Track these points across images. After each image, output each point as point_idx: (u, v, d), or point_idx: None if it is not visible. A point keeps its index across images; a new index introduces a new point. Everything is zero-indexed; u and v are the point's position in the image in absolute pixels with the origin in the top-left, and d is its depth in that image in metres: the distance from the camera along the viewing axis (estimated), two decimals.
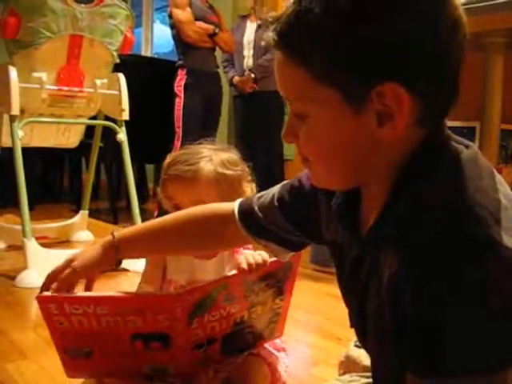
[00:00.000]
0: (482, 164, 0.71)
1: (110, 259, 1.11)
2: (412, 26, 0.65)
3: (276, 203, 0.96)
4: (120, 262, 1.11)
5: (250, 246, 1.39)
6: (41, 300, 1.07)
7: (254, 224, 0.98)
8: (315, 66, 0.67)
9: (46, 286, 1.10)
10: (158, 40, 6.82)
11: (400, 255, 0.66)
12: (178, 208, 1.30)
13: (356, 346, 1.27)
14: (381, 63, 0.65)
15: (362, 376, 1.06)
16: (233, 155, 1.37)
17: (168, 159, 1.37)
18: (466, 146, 0.72)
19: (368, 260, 0.74)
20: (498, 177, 0.71)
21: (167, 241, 1.11)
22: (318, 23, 0.66)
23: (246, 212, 0.99)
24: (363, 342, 0.86)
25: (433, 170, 0.69)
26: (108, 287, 2.33)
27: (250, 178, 1.37)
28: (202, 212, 1.07)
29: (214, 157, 1.32)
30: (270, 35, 0.70)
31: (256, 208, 0.98)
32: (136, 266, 2.58)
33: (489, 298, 0.61)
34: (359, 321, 0.80)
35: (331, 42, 0.65)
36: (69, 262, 1.12)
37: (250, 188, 1.36)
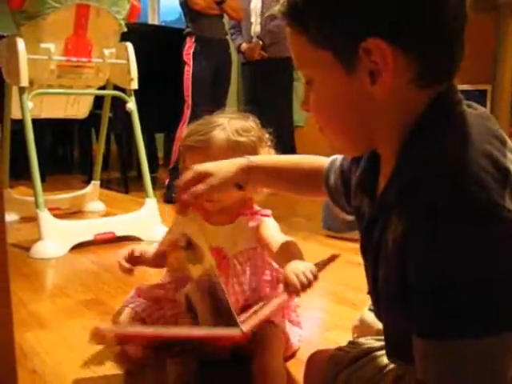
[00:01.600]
0: (493, 129, 0.70)
1: (242, 180, 1.10)
2: None
3: (339, 166, 1.03)
4: (241, 187, 1.12)
5: (269, 212, 1.41)
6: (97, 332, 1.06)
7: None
8: (311, 31, 0.72)
9: (177, 198, 1.07)
10: (164, 7, 6.76)
11: (402, 221, 0.67)
12: None
13: (370, 309, 1.28)
14: (364, 19, 0.67)
15: (376, 339, 1.07)
16: (249, 122, 1.37)
17: (186, 131, 1.39)
18: (477, 111, 0.72)
19: (379, 224, 0.75)
20: (510, 143, 0.70)
21: (286, 180, 1.16)
22: None
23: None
24: (376, 307, 0.87)
25: (438, 134, 0.69)
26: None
27: (267, 143, 1.38)
28: (317, 163, 1.13)
29: (228, 125, 1.32)
30: (277, 9, 0.76)
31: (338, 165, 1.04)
32: (148, 235, 2.60)
33: (491, 261, 0.61)
34: (373, 286, 0.81)
35: (321, 3, 0.70)
36: (201, 176, 1.07)
37: (264, 151, 1.36)
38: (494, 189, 0.62)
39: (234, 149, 1.30)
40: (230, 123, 1.34)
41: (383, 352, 0.93)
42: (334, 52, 0.71)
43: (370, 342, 1.05)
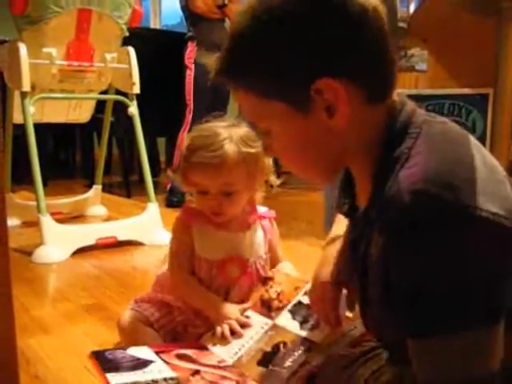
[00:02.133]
0: (455, 134, 0.75)
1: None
2: (322, 26, 0.72)
3: None
4: None
5: (273, 213, 1.44)
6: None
7: None
8: (257, 86, 0.77)
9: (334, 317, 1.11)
10: (166, 11, 6.77)
11: (382, 235, 0.70)
12: (204, 193, 1.33)
13: None
14: (309, 65, 0.73)
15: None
16: (247, 129, 1.36)
17: (186, 144, 1.35)
18: (435, 119, 0.77)
19: (364, 240, 0.79)
20: (475, 142, 0.73)
21: None
22: (246, 45, 0.76)
23: None
24: (364, 319, 0.91)
25: (405, 149, 0.72)
26: (122, 260, 2.36)
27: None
28: None
29: (234, 136, 1.31)
30: (213, 67, 0.82)
31: None
32: (150, 239, 2.60)
33: (467, 263, 0.64)
34: (361, 297, 0.85)
35: (259, 56, 0.75)
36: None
37: (268, 158, 1.37)
38: (462, 190, 0.64)
39: (245, 160, 1.31)
40: (234, 133, 1.32)
41: (380, 351, 0.97)
42: (285, 101, 0.75)
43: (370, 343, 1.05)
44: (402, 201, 0.65)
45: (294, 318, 1.24)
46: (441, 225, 0.64)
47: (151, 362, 1.17)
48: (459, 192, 0.64)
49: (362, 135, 0.76)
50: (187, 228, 1.39)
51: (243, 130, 1.35)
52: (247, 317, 1.31)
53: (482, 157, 0.70)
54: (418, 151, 0.71)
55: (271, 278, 1.38)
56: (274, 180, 1.40)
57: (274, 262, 1.47)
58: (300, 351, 1.14)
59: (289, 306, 1.29)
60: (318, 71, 0.72)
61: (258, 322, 1.28)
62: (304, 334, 1.18)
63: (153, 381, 1.09)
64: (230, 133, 1.32)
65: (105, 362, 1.15)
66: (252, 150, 1.32)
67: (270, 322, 1.27)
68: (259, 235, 1.43)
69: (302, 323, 1.21)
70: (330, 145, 0.78)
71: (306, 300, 1.27)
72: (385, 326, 0.80)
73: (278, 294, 1.33)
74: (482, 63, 2.36)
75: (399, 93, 0.80)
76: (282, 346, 1.18)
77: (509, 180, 0.71)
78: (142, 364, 1.16)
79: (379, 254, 0.72)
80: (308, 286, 1.28)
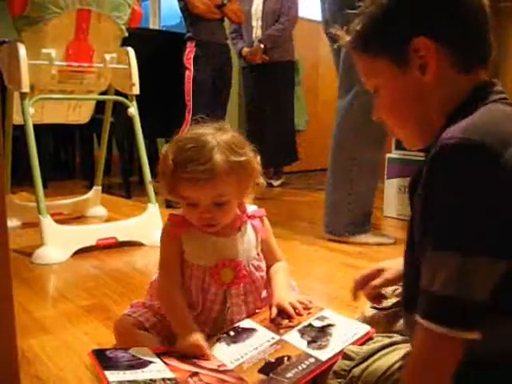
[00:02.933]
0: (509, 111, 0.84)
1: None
2: None
3: None
4: None
5: (263, 211, 1.44)
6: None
7: None
8: (370, 45, 0.92)
9: (355, 289, 1.26)
10: (165, 12, 6.77)
11: (426, 166, 0.81)
12: (194, 205, 1.30)
13: (372, 307, 1.28)
14: (409, 24, 0.88)
15: (384, 336, 1.08)
16: (233, 133, 1.33)
17: (172, 156, 1.28)
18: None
19: (419, 182, 0.87)
20: None
21: None
22: (371, 12, 0.91)
23: None
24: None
25: (471, 113, 0.82)
26: (122, 261, 2.36)
27: (253, 151, 1.35)
28: None
29: (221, 143, 1.27)
30: (344, 43, 0.98)
31: None
32: (150, 240, 2.60)
33: (475, 194, 0.73)
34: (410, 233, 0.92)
35: (375, 17, 0.90)
36: (379, 272, 1.22)
37: (256, 161, 1.34)
38: (492, 138, 0.74)
39: (235, 169, 1.28)
40: (221, 140, 1.28)
41: (394, 347, 1.00)
42: (388, 56, 0.90)
43: (378, 339, 1.06)
44: (443, 141, 0.76)
45: (303, 337, 1.23)
46: (463, 161, 0.74)
47: (151, 362, 1.17)
48: (487, 137, 0.74)
49: (448, 99, 0.88)
50: (175, 239, 1.36)
51: (229, 134, 1.31)
52: (253, 329, 1.31)
53: None
54: (473, 115, 0.80)
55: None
56: (262, 182, 1.37)
57: (270, 261, 1.45)
58: (304, 365, 1.12)
59: (299, 326, 1.28)
60: (417, 31, 0.86)
61: (264, 336, 1.27)
62: (311, 351, 1.17)
63: (151, 380, 1.08)
64: (217, 140, 1.27)
65: (105, 360, 1.15)
66: (241, 159, 1.28)
67: (277, 337, 1.25)
68: (250, 236, 1.41)
69: (310, 342, 1.20)
70: (423, 102, 0.90)
71: (317, 324, 1.26)
72: (414, 258, 0.87)
73: (289, 316, 1.32)
74: None
75: (495, 81, 0.91)
76: (286, 358, 1.16)
77: None
78: (141, 364, 1.15)
79: (423, 179, 0.81)
80: (321, 313, 1.30)
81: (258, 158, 1.36)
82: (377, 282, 1.20)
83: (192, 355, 1.21)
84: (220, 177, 1.25)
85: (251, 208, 1.44)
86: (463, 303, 0.73)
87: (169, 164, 1.27)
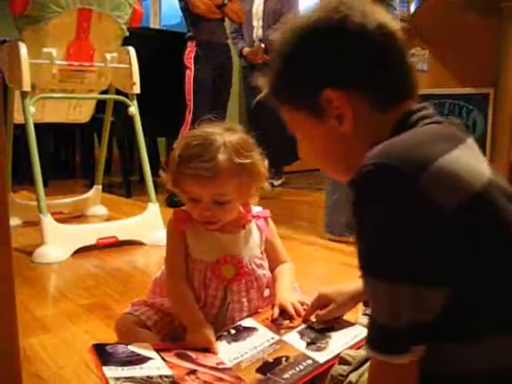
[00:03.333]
0: (447, 132, 0.79)
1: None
2: (327, 43, 0.84)
3: None
4: None
5: (268, 212, 1.44)
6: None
7: None
8: (286, 100, 0.91)
9: (304, 319, 1.31)
10: (166, 11, 6.77)
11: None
12: (195, 201, 1.32)
13: (364, 314, 1.29)
14: (317, 77, 0.85)
15: None
16: (241, 135, 1.35)
17: (178, 151, 1.31)
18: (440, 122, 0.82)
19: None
20: (469, 146, 0.77)
21: None
22: (277, 63, 0.91)
23: None
24: None
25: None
26: (123, 260, 2.36)
27: (261, 155, 1.36)
28: None
29: (228, 144, 1.29)
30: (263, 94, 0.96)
31: None
32: (150, 239, 2.60)
33: (389, 218, 0.70)
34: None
35: (286, 72, 0.90)
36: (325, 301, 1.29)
37: (263, 166, 1.36)
38: (408, 165, 0.69)
39: (238, 171, 1.29)
40: (228, 141, 1.30)
41: None
42: (305, 109, 0.88)
43: None
44: (359, 168, 0.73)
45: (302, 339, 1.24)
46: (378, 187, 0.71)
47: (150, 358, 1.17)
48: (402, 167, 0.69)
49: (374, 139, 0.81)
50: (180, 234, 1.38)
51: (238, 136, 1.33)
52: (254, 328, 1.31)
53: (467, 159, 0.73)
54: (388, 141, 0.77)
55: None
56: (267, 186, 1.39)
57: (275, 261, 1.46)
58: (302, 367, 1.13)
59: (299, 328, 1.28)
60: (324, 83, 0.83)
61: (265, 335, 1.28)
62: (309, 353, 1.18)
63: (148, 377, 1.09)
64: (224, 140, 1.29)
65: (104, 355, 1.15)
66: (246, 161, 1.30)
67: (277, 337, 1.26)
68: (254, 235, 1.42)
69: (309, 344, 1.21)
70: (346, 149, 0.88)
71: (317, 326, 1.27)
72: None
73: (290, 317, 1.32)
74: (482, 63, 2.37)
75: (425, 105, 0.86)
76: (284, 359, 1.17)
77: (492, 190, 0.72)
78: (140, 360, 1.16)
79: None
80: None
81: (266, 162, 1.37)
82: (323, 313, 1.27)
83: (201, 349, 1.23)
84: (222, 176, 1.27)
85: (256, 209, 1.46)
86: (392, 330, 0.71)
87: (175, 158, 1.31)
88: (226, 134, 1.31)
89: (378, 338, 0.73)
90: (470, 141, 0.79)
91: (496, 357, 0.70)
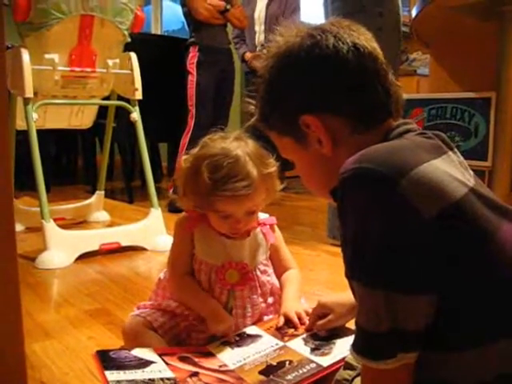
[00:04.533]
0: (428, 142, 0.79)
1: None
2: (301, 70, 0.87)
3: None
4: None
5: (274, 219, 1.45)
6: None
7: None
8: (274, 126, 0.93)
9: (307, 328, 1.32)
10: (167, 17, 6.78)
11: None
12: (228, 217, 1.33)
13: None
14: (293, 105, 0.88)
15: None
16: (254, 144, 1.37)
17: (207, 174, 1.28)
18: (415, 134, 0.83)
19: None
20: (450, 160, 0.77)
21: None
22: (263, 90, 0.93)
23: None
24: None
25: None
26: (125, 266, 2.36)
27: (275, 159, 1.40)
28: None
29: (252, 156, 1.32)
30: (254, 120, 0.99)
31: None
32: (153, 245, 2.61)
33: (371, 222, 0.70)
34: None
35: (268, 100, 0.93)
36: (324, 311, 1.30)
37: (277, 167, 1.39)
38: (388, 169, 0.70)
39: (266, 181, 1.34)
40: (249, 153, 1.32)
41: None
42: (290, 134, 0.90)
43: None
44: (339, 175, 0.74)
45: (306, 345, 1.25)
46: (357, 191, 0.72)
47: (152, 362, 1.17)
48: (382, 171, 0.70)
49: None
50: (189, 234, 1.40)
51: (251, 145, 1.35)
52: (258, 335, 1.32)
53: (448, 169, 0.73)
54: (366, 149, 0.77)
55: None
56: (280, 188, 1.44)
57: (281, 267, 1.48)
58: (305, 370, 1.13)
59: (303, 335, 1.30)
60: (300, 109, 0.86)
61: (269, 341, 1.29)
62: (313, 357, 1.18)
63: (150, 380, 1.09)
64: (245, 152, 1.31)
65: (107, 360, 1.16)
66: (271, 170, 1.35)
67: (281, 343, 1.27)
68: (260, 241, 1.44)
69: (313, 349, 1.22)
70: (330, 171, 0.86)
71: (322, 333, 1.28)
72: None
73: (295, 326, 1.34)
74: (484, 67, 2.37)
75: (408, 120, 0.88)
76: (287, 362, 1.18)
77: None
78: (143, 364, 1.16)
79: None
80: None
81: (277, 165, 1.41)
82: (320, 323, 1.28)
83: (204, 353, 1.25)
84: (257, 190, 1.31)
85: (262, 216, 1.48)
86: (374, 336, 0.71)
87: (206, 182, 1.28)
88: (242, 145, 1.33)
89: (361, 343, 0.74)
90: (452, 153, 0.79)
91: (485, 365, 0.69)
